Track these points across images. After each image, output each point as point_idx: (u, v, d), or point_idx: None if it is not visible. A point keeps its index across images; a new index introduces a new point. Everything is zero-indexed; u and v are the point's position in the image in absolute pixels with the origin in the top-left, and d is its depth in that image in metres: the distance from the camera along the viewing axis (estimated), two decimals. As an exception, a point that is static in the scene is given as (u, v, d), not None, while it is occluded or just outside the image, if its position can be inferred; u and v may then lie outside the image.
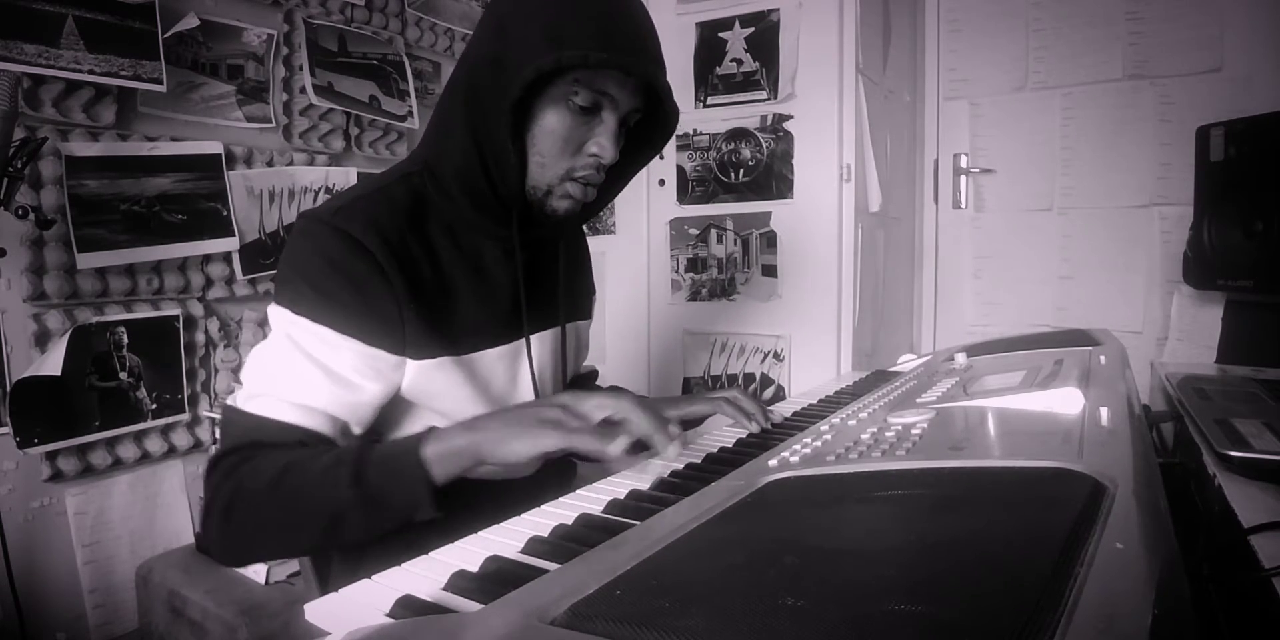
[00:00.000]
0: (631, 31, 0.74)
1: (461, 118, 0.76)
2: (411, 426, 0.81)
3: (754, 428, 0.84)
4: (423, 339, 0.76)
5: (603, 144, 0.76)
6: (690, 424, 0.95)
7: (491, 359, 0.83)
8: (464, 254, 0.81)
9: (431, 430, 0.65)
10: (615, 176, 0.86)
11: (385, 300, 0.73)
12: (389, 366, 0.74)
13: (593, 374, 1.13)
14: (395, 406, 0.80)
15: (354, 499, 0.62)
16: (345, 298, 0.71)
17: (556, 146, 0.76)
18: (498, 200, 0.79)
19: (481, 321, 0.82)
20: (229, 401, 0.73)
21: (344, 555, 0.85)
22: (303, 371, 0.70)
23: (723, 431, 0.90)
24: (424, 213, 0.79)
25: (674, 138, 1.00)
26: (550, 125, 0.75)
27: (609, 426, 0.64)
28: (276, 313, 0.73)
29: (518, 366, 0.87)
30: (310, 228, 0.73)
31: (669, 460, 0.65)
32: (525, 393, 0.87)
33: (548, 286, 0.90)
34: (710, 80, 1.98)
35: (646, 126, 0.84)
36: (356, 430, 0.75)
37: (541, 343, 0.90)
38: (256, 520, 0.66)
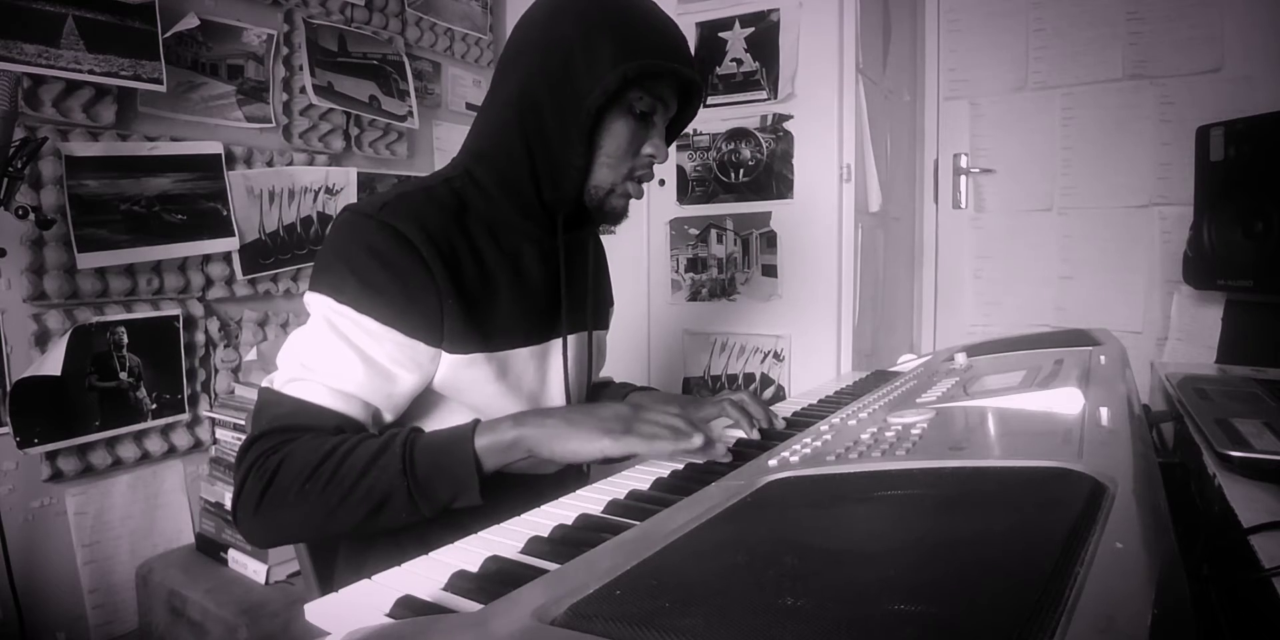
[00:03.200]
0: (681, 43, 0.82)
1: (515, 127, 0.80)
2: (440, 418, 0.83)
3: (754, 435, 0.85)
4: (459, 334, 0.78)
5: (658, 145, 0.83)
6: None
7: (524, 358, 0.86)
8: (504, 254, 0.85)
9: (478, 422, 0.70)
10: None
11: (427, 293, 0.76)
12: (426, 358, 0.77)
13: (609, 382, 1.13)
14: (426, 398, 0.82)
15: (403, 485, 0.66)
16: (389, 290, 0.74)
17: (621, 149, 0.82)
18: (541, 205, 0.84)
19: (516, 321, 0.84)
20: (265, 383, 0.75)
21: (346, 555, 0.85)
22: (342, 358, 0.73)
23: (723, 431, 0.90)
24: (466, 213, 0.83)
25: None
26: (618, 130, 0.81)
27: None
28: (317, 300, 0.75)
29: (548, 367, 0.89)
30: (355, 221, 0.76)
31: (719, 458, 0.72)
32: (556, 392, 0.90)
33: (579, 292, 0.93)
34: (710, 80, 1.98)
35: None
36: (388, 417, 0.78)
37: (570, 346, 0.92)
38: (297, 503, 0.67)
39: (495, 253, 0.84)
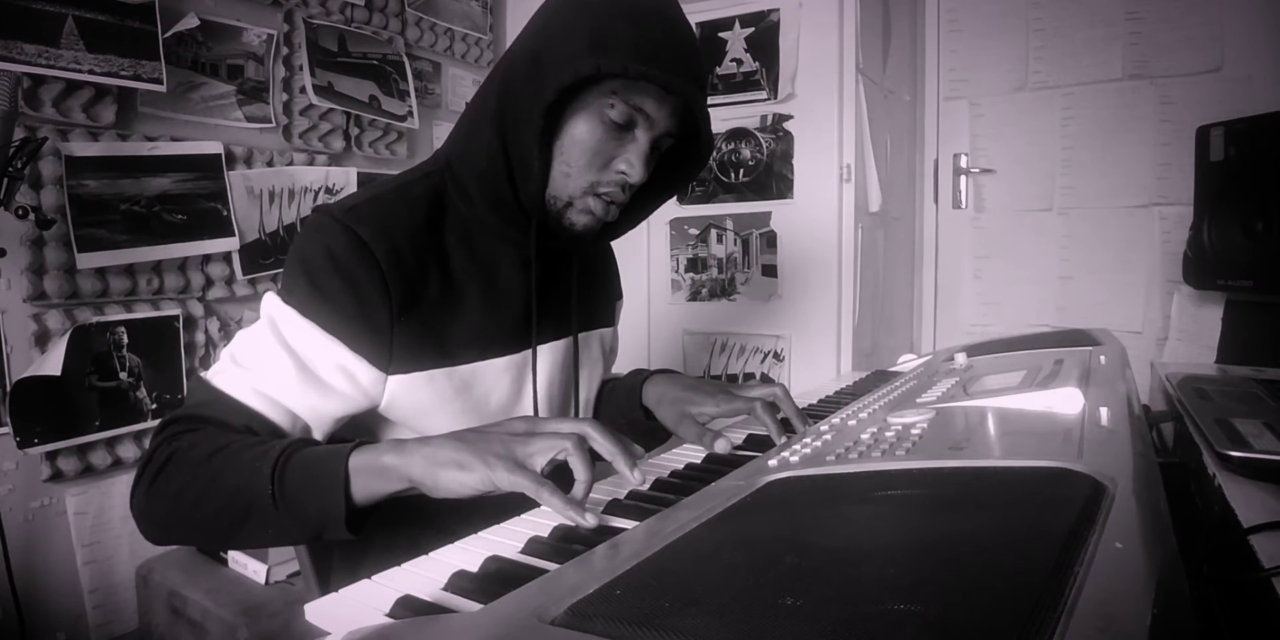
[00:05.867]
0: (678, 51, 0.71)
1: (492, 117, 0.73)
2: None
3: (782, 441, 0.76)
4: (413, 350, 0.73)
5: (631, 162, 0.73)
6: None
7: (495, 370, 0.80)
8: (477, 260, 0.79)
9: (360, 443, 0.61)
10: (640, 204, 0.83)
11: (378, 309, 0.71)
12: (367, 379, 0.72)
13: (614, 377, 1.07)
14: (376, 424, 0.78)
15: (267, 498, 0.59)
16: (339, 299, 0.70)
17: (584, 158, 0.73)
18: (519, 206, 0.76)
19: (488, 330, 0.79)
20: (202, 373, 0.72)
21: (344, 555, 0.84)
22: (277, 362, 0.69)
23: (723, 430, 0.90)
24: (440, 215, 0.78)
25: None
26: (580, 135, 0.72)
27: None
28: (270, 299, 0.72)
29: (524, 378, 0.83)
30: (321, 221, 0.72)
31: (637, 485, 0.61)
32: (527, 405, 0.84)
33: (563, 295, 0.86)
34: (710, 80, 1.98)
35: (678, 157, 0.81)
36: (317, 435, 0.72)
37: (552, 353, 0.86)
38: (179, 496, 0.63)
39: (467, 259, 0.78)
